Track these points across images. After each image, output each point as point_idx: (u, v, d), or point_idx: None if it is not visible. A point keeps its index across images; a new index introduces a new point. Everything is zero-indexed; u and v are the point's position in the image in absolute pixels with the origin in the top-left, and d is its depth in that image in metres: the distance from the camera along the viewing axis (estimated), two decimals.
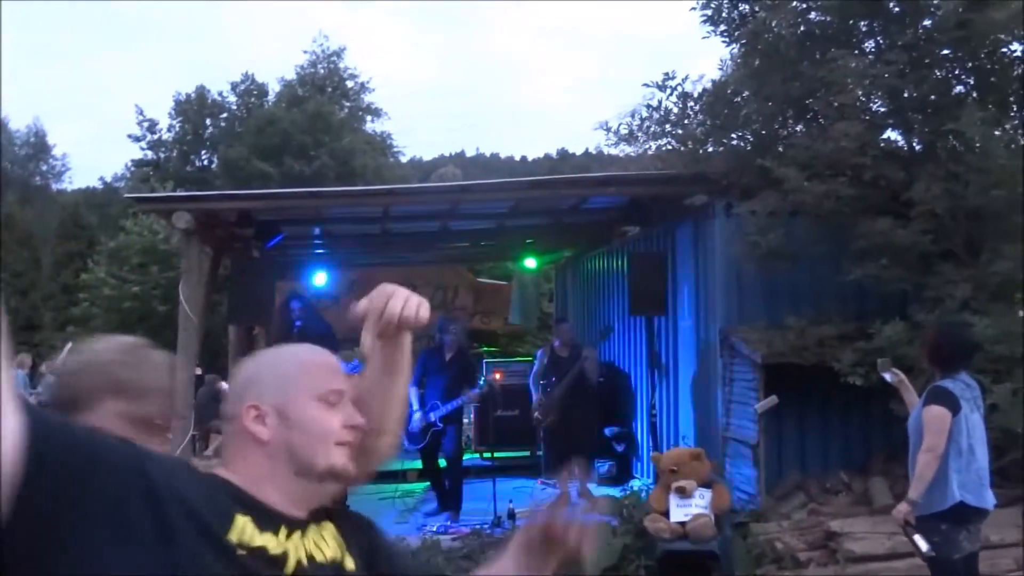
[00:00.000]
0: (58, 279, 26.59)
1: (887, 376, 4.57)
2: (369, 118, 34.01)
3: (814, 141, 6.22)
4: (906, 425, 4.31)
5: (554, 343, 8.72)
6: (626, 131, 7.40)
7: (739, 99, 7.07)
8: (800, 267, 6.55)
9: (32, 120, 58.44)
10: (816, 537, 5.95)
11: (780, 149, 6.87)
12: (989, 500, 4.19)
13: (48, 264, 27.50)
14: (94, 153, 78.35)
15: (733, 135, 7.25)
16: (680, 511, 6.05)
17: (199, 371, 9.46)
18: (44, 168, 40.25)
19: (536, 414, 8.58)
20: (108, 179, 36.22)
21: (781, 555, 5.82)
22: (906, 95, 6.39)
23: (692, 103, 7.28)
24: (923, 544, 3.97)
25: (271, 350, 1.41)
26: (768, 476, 6.52)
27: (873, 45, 6.77)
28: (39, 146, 40.08)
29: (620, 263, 9.45)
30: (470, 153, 66.49)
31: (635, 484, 8.06)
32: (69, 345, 17.16)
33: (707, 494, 6.09)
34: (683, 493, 6.07)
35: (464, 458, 8.32)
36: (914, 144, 6.64)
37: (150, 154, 32.57)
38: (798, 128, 7.00)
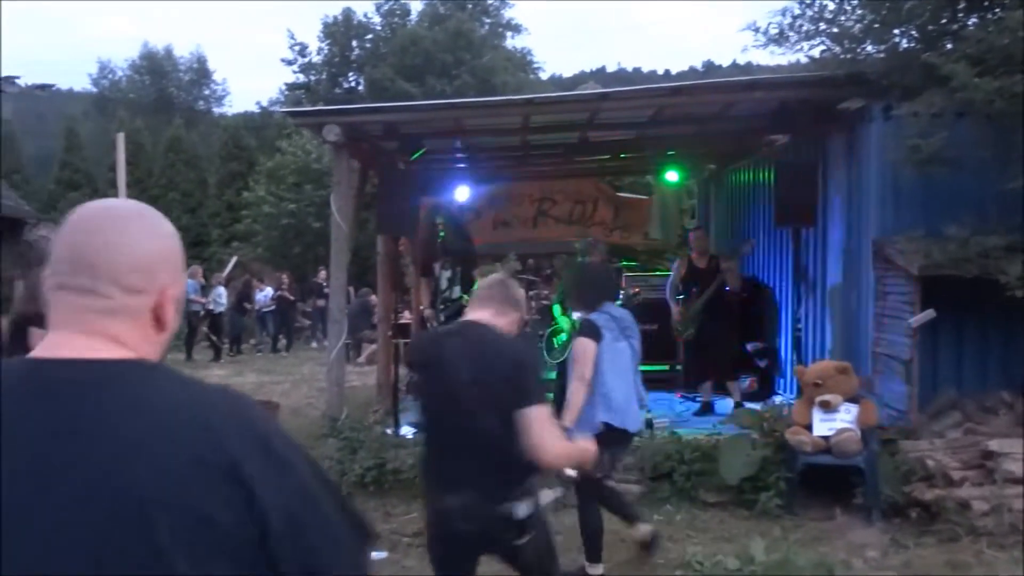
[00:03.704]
0: (222, 198, 28.35)
1: None
2: (509, 34, 33.77)
3: (988, 33, 5.68)
4: None
5: (690, 252, 8.56)
6: (776, 31, 6.98)
7: None
8: (963, 173, 6.07)
9: (195, 47, 61.78)
10: (971, 456, 5.69)
11: (948, 45, 6.32)
12: (634, 422, 4.63)
13: (213, 184, 29.32)
14: (252, 79, 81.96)
15: (895, 31, 6.72)
16: (823, 425, 5.93)
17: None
18: (207, 93, 42.55)
19: (675, 326, 8.54)
20: (264, 103, 37.98)
21: (932, 473, 5.61)
22: None
23: None
24: (570, 470, 4.04)
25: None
26: (921, 393, 6.25)
27: None
28: (201, 72, 42.34)
29: (767, 174, 9.09)
30: (611, 69, 64.93)
31: (777, 400, 7.92)
32: (234, 259, 18.40)
33: (853, 409, 5.93)
34: (827, 407, 5.93)
35: None
36: None
37: (301, 77, 33.79)
38: (970, 20, 6.40)
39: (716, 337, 8.22)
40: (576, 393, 4.47)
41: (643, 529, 4.92)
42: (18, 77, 35.32)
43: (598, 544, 4.69)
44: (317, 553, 1.11)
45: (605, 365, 4.49)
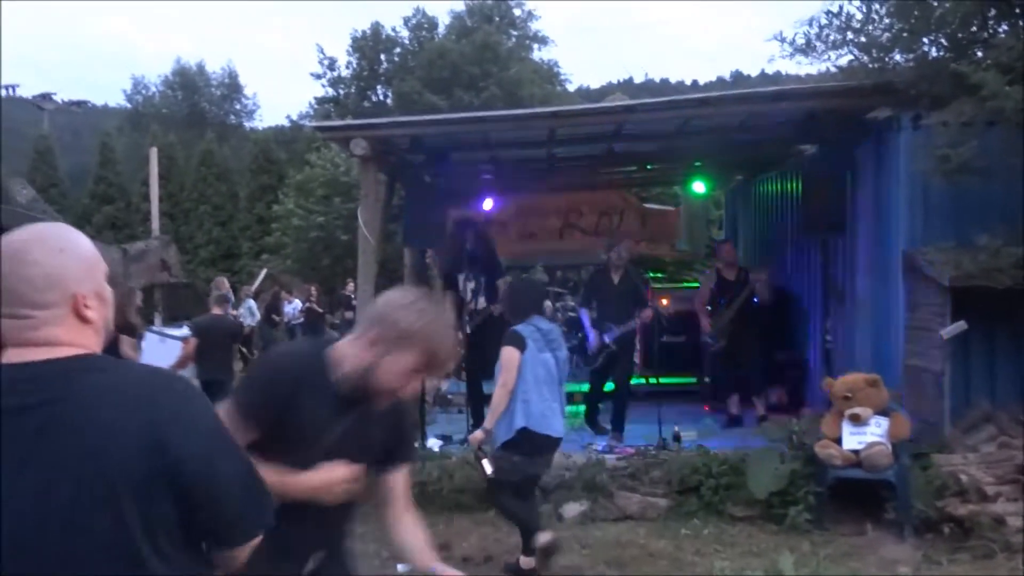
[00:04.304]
0: (253, 211, 28.70)
1: None
2: (536, 46, 33.89)
3: (1019, 40, 5.60)
4: None
5: (718, 265, 8.51)
6: (803, 41, 6.94)
7: None
8: (994, 182, 5.98)
9: (226, 63, 62.67)
10: (1006, 471, 5.58)
11: (978, 53, 6.25)
12: (552, 428, 4.81)
13: (244, 197, 29.69)
14: (282, 93, 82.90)
15: (924, 39, 6.65)
16: (853, 439, 5.85)
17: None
18: (238, 107, 43.15)
19: (706, 338, 8.48)
20: (294, 117, 38.43)
21: (966, 487, 5.51)
22: None
23: (877, 6, 6.72)
24: (488, 468, 4.47)
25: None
26: (953, 406, 6.14)
27: None
28: (233, 87, 42.95)
29: (794, 184, 9.02)
30: (639, 80, 64.85)
31: (806, 413, 7.83)
32: (264, 271, 18.58)
33: (883, 422, 5.84)
34: (857, 420, 5.85)
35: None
36: None
37: (330, 91, 34.15)
38: (1001, 28, 6.32)
39: (745, 349, 8.16)
40: (498, 398, 4.80)
41: (543, 537, 4.90)
42: (55, 94, 36.09)
43: (530, 533, 4.87)
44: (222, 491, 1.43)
45: (527, 374, 4.78)
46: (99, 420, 1.33)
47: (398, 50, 34.13)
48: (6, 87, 43.16)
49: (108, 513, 1.30)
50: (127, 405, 1.35)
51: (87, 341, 1.43)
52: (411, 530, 2.25)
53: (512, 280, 6.39)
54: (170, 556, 1.36)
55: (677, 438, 7.08)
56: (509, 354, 4.82)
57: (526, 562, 4.89)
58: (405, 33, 34.30)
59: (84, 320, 1.43)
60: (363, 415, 2.08)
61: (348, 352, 2.09)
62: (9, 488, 1.29)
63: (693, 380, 9.83)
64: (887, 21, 6.79)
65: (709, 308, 8.48)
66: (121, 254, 13.62)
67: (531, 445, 4.79)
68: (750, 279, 8.13)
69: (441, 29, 33.47)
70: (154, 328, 11.56)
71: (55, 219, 16.55)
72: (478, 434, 4.96)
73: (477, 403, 7.88)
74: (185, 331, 8.47)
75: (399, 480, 2.26)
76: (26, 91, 40.14)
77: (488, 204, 10.09)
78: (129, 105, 43.32)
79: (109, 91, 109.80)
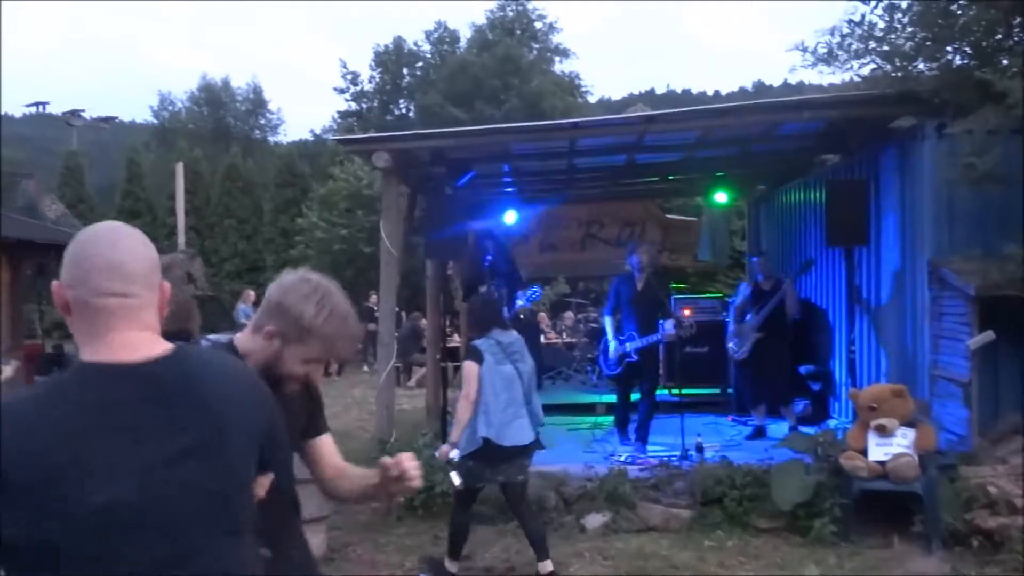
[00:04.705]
0: (277, 224, 28.92)
1: None
2: (557, 58, 33.98)
3: None
4: None
5: (757, 277, 8.41)
6: (825, 50, 6.91)
7: (955, 6, 6.41)
8: (1021, 190, 5.93)
9: (251, 78, 63.42)
10: None
11: (1003, 61, 6.20)
12: (515, 438, 4.98)
13: (268, 210, 29.94)
14: (306, 107, 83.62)
15: (948, 48, 6.60)
16: (879, 450, 5.79)
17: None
18: (262, 122, 43.61)
19: (730, 345, 8.41)
20: (317, 131, 38.76)
21: (995, 500, 5.43)
22: None
23: (900, 15, 6.69)
24: (456, 479, 4.60)
25: None
26: (981, 417, 6.07)
27: None
28: (257, 102, 43.41)
29: (818, 194, 8.97)
30: (660, 90, 64.85)
31: (831, 424, 7.76)
32: None
33: (910, 433, 5.78)
34: (883, 431, 5.79)
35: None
36: None
37: (353, 105, 34.42)
38: None
39: (772, 359, 8.05)
40: (460, 410, 5.05)
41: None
42: (83, 110, 36.66)
43: (460, 543, 5.23)
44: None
45: (485, 386, 5.01)
46: (220, 401, 1.49)
47: (420, 64, 34.36)
48: (37, 104, 44.00)
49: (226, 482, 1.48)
50: (241, 394, 1.56)
51: (158, 328, 1.54)
52: (352, 470, 2.33)
53: (473, 297, 6.69)
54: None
55: (700, 449, 7.04)
56: (468, 368, 5.11)
57: (451, 565, 5.23)
58: (427, 47, 34.55)
59: (160, 312, 1.54)
60: (279, 399, 2.14)
61: (252, 346, 2.15)
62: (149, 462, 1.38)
63: (716, 391, 9.77)
64: (910, 30, 6.75)
65: (745, 318, 8.33)
66: None
67: (494, 455, 5.00)
68: (782, 288, 8.04)
69: (463, 43, 33.66)
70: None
71: None
72: (445, 448, 5.16)
73: None
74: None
75: (327, 444, 2.36)
76: (55, 108, 40.88)
77: (510, 216, 10.13)
78: (156, 121, 43.92)
79: (136, 107, 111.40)
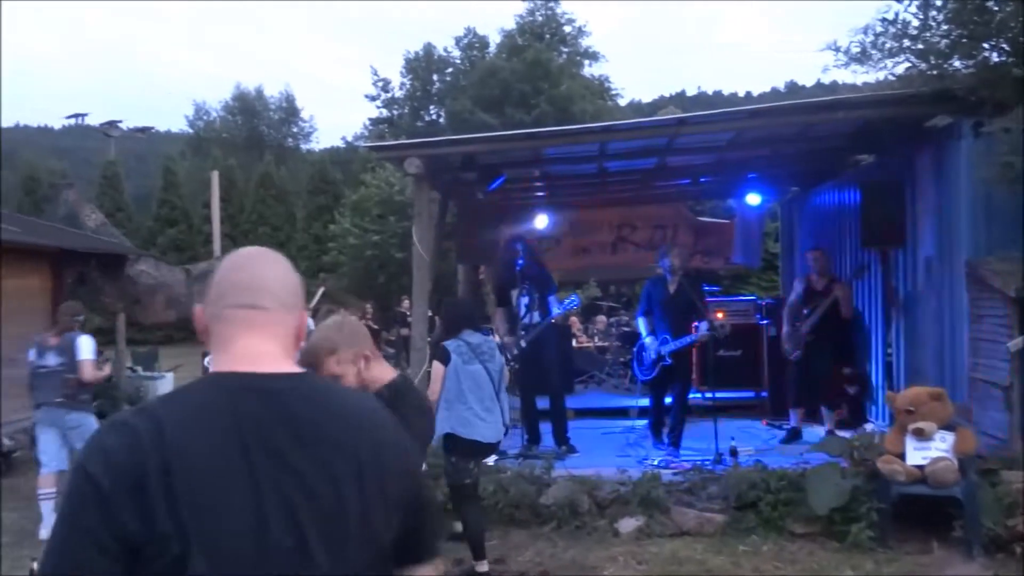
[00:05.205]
0: (310, 230, 29.25)
1: None
2: (587, 62, 33.96)
3: None
4: None
5: (810, 273, 8.23)
6: (858, 50, 6.83)
7: (992, 2, 6.31)
8: None
9: (284, 87, 64.20)
10: None
11: None
12: (482, 434, 5.17)
13: (301, 217, 30.28)
14: (337, 115, 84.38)
15: (985, 45, 6.50)
16: (917, 454, 5.71)
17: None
18: (295, 130, 44.12)
19: (785, 347, 8.25)
20: (349, 138, 39.13)
21: None
22: None
23: (934, 12, 6.59)
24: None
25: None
26: (1023, 421, 5.94)
27: None
28: (290, 110, 43.95)
29: (852, 195, 8.86)
30: (691, 92, 64.49)
31: (867, 427, 7.65)
32: (321, 290, 18.77)
33: (949, 437, 5.69)
34: (921, 435, 5.70)
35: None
36: None
37: (384, 112, 34.72)
38: None
39: (820, 361, 7.89)
40: None
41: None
42: (120, 121, 37.35)
43: (480, 541, 5.27)
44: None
45: (450, 384, 5.21)
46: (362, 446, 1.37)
47: (450, 70, 34.57)
48: (76, 116, 44.92)
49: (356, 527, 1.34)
50: (372, 431, 1.42)
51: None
52: None
53: (445, 300, 6.91)
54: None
55: (734, 453, 6.98)
56: (434, 367, 5.36)
57: (480, 566, 5.25)
58: (457, 53, 34.76)
59: (296, 338, 1.50)
60: None
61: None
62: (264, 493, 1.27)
63: (750, 394, 9.69)
64: (945, 27, 6.65)
65: (797, 321, 8.17)
66: (185, 275, 14.02)
67: (459, 449, 5.20)
68: (834, 289, 7.87)
69: (492, 48, 33.79)
70: None
71: (122, 243, 17.10)
72: None
73: (532, 418, 7.90)
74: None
75: None
76: (94, 119, 41.68)
77: (541, 220, 10.14)
78: (191, 130, 44.63)
79: (172, 117, 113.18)
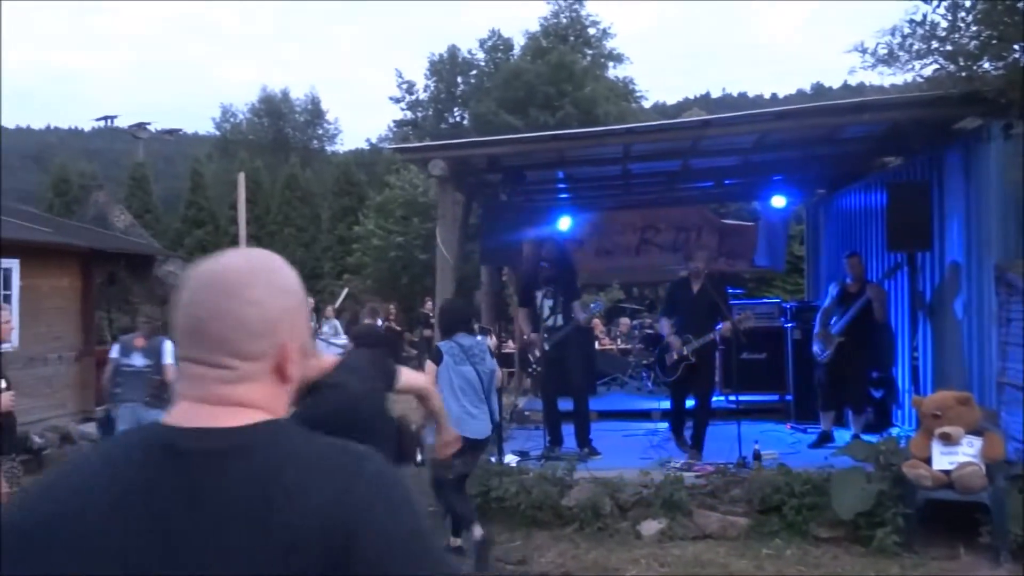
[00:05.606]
0: (335, 232, 29.43)
1: None
2: (611, 64, 33.90)
3: None
4: None
5: (846, 278, 8.17)
6: (885, 51, 6.78)
7: (1022, 3, 6.24)
8: None
9: (309, 89, 64.71)
10: None
11: None
12: (471, 431, 5.34)
13: (326, 219, 30.49)
14: (362, 117, 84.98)
15: (1015, 46, 6.42)
16: (944, 459, 5.66)
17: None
18: (320, 132, 44.41)
19: (814, 348, 8.19)
20: (374, 140, 39.37)
21: None
22: None
23: (963, 14, 6.53)
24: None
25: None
26: None
27: None
28: (315, 112, 44.22)
29: (879, 197, 8.79)
30: (716, 94, 64.14)
31: (893, 432, 7.58)
32: (345, 291, 19.05)
33: (976, 442, 5.64)
34: (948, 440, 5.66)
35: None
36: None
37: (409, 114, 34.88)
38: None
39: (852, 366, 7.81)
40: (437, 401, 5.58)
41: (476, 532, 5.50)
42: (149, 123, 37.82)
43: (460, 523, 5.58)
44: None
45: (443, 383, 5.45)
46: (280, 505, 1.05)
47: (474, 72, 34.63)
48: (105, 118, 45.54)
49: None
50: (314, 488, 1.07)
51: (279, 404, 1.18)
52: None
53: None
54: None
55: (757, 456, 6.94)
56: (427, 366, 5.64)
57: (475, 530, 5.50)
58: (481, 55, 34.81)
59: (284, 378, 1.18)
60: None
61: None
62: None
63: (775, 398, 9.63)
64: (974, 28, 6.58)
65: (831, 320, 8.10)
66: None
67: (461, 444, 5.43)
68: (867, 292, 7.80)
69: (516, 50, 33.81)
70: (321, 335, 12.31)
71: (151, 244, 17.33)
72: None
73: (553, 420, 7.90)
74: (344, 339, 9.01)
75: None
76: (123, 122, 42.24)
77: (565, 222, 10.14)
78: (218, 132, 45.04)
79: (199, 119, 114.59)
